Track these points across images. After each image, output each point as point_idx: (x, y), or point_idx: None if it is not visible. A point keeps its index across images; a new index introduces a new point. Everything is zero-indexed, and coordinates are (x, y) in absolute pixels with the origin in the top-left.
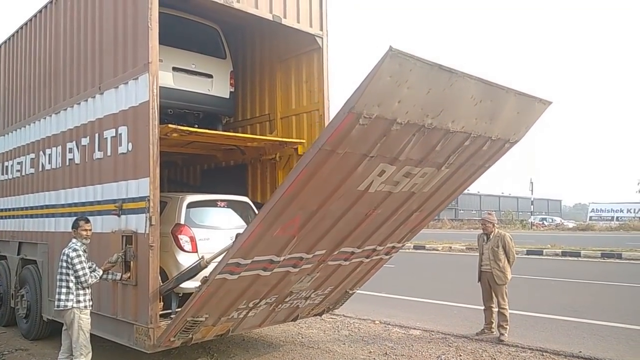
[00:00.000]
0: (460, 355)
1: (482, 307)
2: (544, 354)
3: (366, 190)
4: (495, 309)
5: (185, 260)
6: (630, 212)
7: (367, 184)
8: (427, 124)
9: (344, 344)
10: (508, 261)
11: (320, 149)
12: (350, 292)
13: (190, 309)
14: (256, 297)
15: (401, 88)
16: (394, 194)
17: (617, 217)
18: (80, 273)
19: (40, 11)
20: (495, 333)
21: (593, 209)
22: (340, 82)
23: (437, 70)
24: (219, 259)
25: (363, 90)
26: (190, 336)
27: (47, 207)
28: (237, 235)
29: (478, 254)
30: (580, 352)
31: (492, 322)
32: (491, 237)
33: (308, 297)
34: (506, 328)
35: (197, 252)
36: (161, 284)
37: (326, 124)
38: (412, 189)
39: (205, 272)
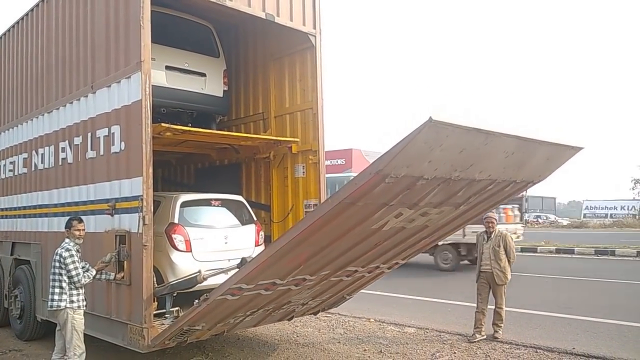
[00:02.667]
0: (455, 353)
1: (475, 306)
2: (538, 350)
3: (380, 229)
4: (487, 314)
5: (179, 259)
6: (624, 210)
7: (382, 223)
8: (454, 177)
9: (339, 342)
10: (508, 261)
11: (340, 202)
12: (348, 297)
13: (188, 321)
14: (254, 308)
15: (434, 151)
16: (407, 229)
17: (611, 215)
18: (73, 273)
19: (32, 10)
20: (485, 336)
21: (587, 206)
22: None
23: (475, 133)
24: (218, 278)
25: (394, 156)
26: (185, 339)
27: (40, 207)
28: (243, 259)
29: (477, 253)
30: (574, 348)
31: (482, 326)
32: (492, 236)
33: (305, 304)
34: (501, 327)
35: (191, 251)
36: (156, 285)
37: (320, 122)
38: (427, 222)
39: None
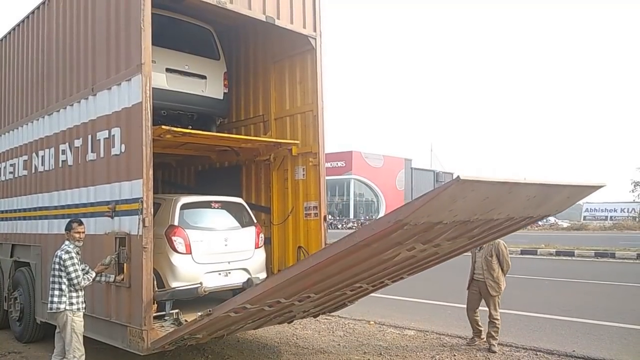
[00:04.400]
0: (455, 355)
1: (467, 315)
2: (538, 353)
3: (390, 259)
4: (480, 316)
5: (179, 261)
6: (624, 212)
7: (393, 255)
8: (472, 219)
9: (339, 345)
10: (502, 270)
11: (355, 244)
12: (349, 303)
13: (189, 332)
14: (256, 319)
15: (457, 202)
16: (417, 257)
17: (611, 217)
18: (73, 275)
19: (32, 12)
20: (484, 339)
21: (587, 208)
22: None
23: (500, 185)
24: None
25: (416, 209)
26: (185, 343)
27: (40, 209)
28: (249, 280)
29: (471, 262)
30: (574, 351)
31: (481, 328)
32: (484, 245)
33: (307, 311)
34: (497, 339)
35: (191, 253)
36: (156, 289)
37: (320, 125)
38: (437, 250)
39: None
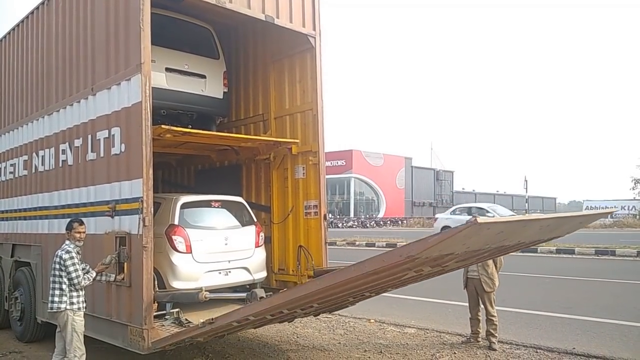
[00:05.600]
0: (455, 353)
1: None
2: (538, 350)
3: (398, 278)
4: (482, 318)
5: (180, 261)
6: (624, 210)
7: (401, 276)
8: (484, 248)
9: (339, 343)
10: (495, 267)
11: (364, 273)
12: (351, 305)
13: (190, 336)
14: (257, 323)
15: (471, 239)
16: (423, 273)
17: (611, 214)
18: (73, 275)
19: (32, 13)
20: (481, 342)
21: (587, 206)
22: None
23: (515, 223)
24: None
25: (430, 246)
26: (185, 343)
27: (40, 208)
28: (253, 293)
29: None
30: (574, 348)
31: (479, 332)
32: None
33: (308, 313)
34: (496, 336)
35: (191, 252)
36: (157, 289)
37: (320, 124)
38: (443, 268)
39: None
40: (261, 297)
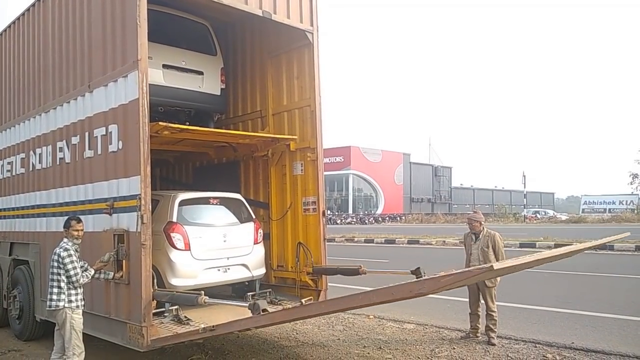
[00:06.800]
0: (454, 348)
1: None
2: (537, 345)
3: None
4: (482, 313)
5: (178, 258)
6: (622, 204)
7: None
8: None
9: (339, 339)
10: (497, 262)
11: (371, 302)
12: None
13: (189, 339)
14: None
15: (483, 276)
16: None
17: (609, 209)
18: (72, 273)
19: (28, 9)
20: (480, 337)
21: (585, 201)
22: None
23: (530, 263)
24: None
25: (442, 286)
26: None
27: (38, 207)
28: (256, 304)
29: (465, 254)
30: (573, 343)
31: (478, 327)
32: (480, 236)
33: None
34: (495, 331)
35: (189, 250)
36: (156, 287)
37: (318, 120)
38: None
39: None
40: (264, 310)
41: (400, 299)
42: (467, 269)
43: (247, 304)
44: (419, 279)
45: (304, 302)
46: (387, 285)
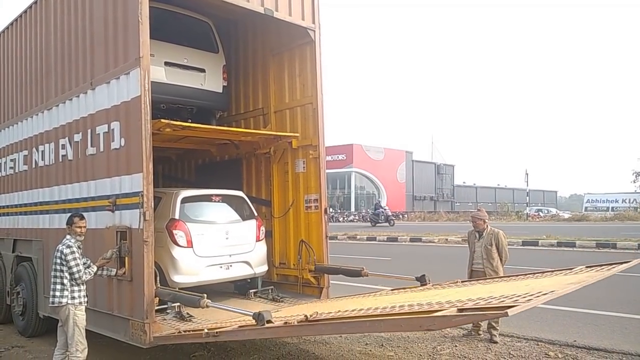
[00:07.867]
0: (456, 346)
1: None
2: (539, 343)
3: None
4: None
5: (181, 255)
6: (625, 202)
7: None
8: None
9: (340, 336)
10: (501, 260)
11: (376, 329)
12: None
13: (192, 341)
14: None
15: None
16: None
17: (612, 208)
18: (75, 269)
19: (30, 7)
20: (482, 335)
21: (588, 199)
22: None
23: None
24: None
25: (453, 324)
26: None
27: (41, 203)
28: (260, 314)
29: (469, 251)
30: (575, 341)
31: (480, 325)
32: (484, 234)
33: None
34: (497, 329)
35: (192, 247)
36: (159, 285)
37: (320, 118)
38: None
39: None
40: (268, 321)
41: (408, 330)
42: (479, 311)
43: (252, 314)
44: (429, 315)
45: (309, 315)
46: (395, 313)
